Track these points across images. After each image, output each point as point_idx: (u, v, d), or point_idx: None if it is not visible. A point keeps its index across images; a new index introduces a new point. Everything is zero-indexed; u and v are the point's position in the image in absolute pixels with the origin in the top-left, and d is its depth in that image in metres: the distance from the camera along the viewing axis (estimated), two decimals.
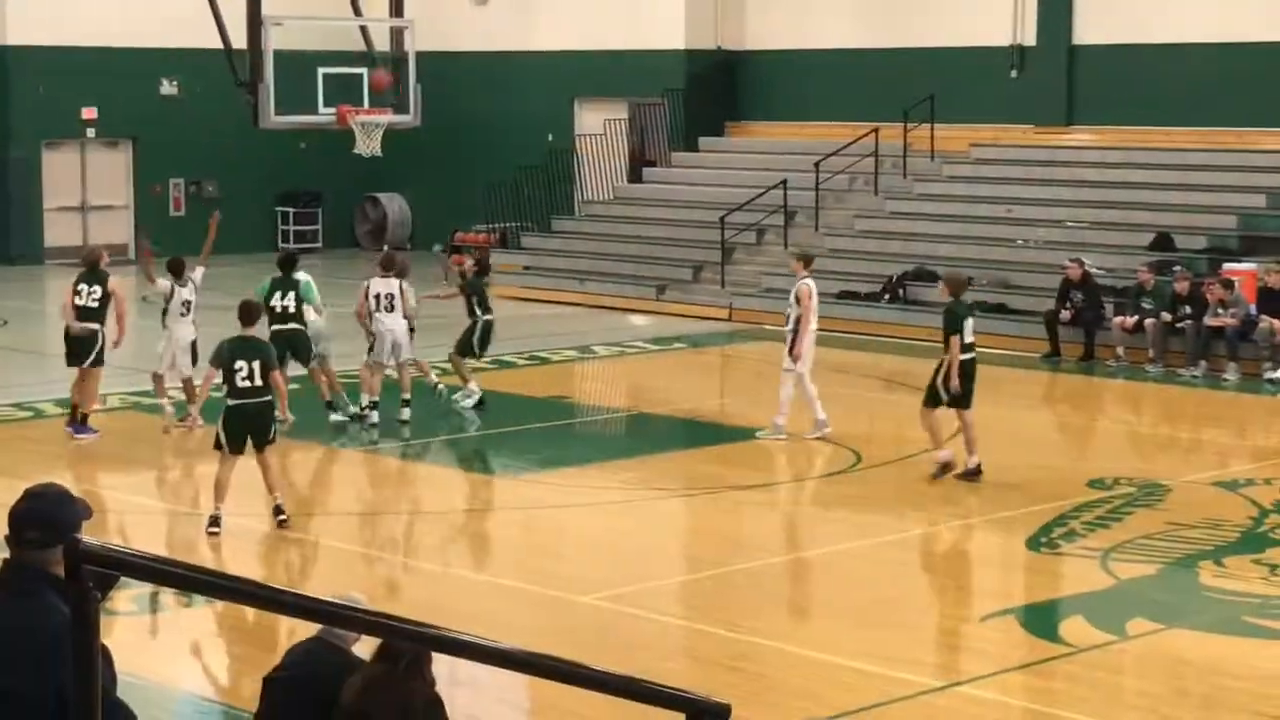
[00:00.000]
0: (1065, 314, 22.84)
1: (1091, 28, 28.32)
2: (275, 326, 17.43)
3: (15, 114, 32.58)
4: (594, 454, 18.29)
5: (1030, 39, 28.93)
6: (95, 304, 17.51)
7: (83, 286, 17.59)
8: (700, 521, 15.57)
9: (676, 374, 23.46)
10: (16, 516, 5.27)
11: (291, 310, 17.81)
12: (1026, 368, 22.57)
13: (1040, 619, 12.29)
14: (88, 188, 33.81)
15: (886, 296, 25.86)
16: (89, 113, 33.09)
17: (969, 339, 16.02)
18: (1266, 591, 12.60)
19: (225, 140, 32.83)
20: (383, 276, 18.47)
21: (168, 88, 33.72)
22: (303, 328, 17.91)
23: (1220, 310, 21.83)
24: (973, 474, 15.91)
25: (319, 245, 35.25)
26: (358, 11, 23.98)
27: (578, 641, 11.13)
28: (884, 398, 20.97)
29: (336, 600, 7.55)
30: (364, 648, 7.58)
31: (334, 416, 18.46)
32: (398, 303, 18.36)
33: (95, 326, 17.47)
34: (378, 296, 18.34)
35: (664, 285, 28.19)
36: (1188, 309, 22.09)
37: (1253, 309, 21.83)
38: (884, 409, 20.27)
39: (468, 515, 15.80)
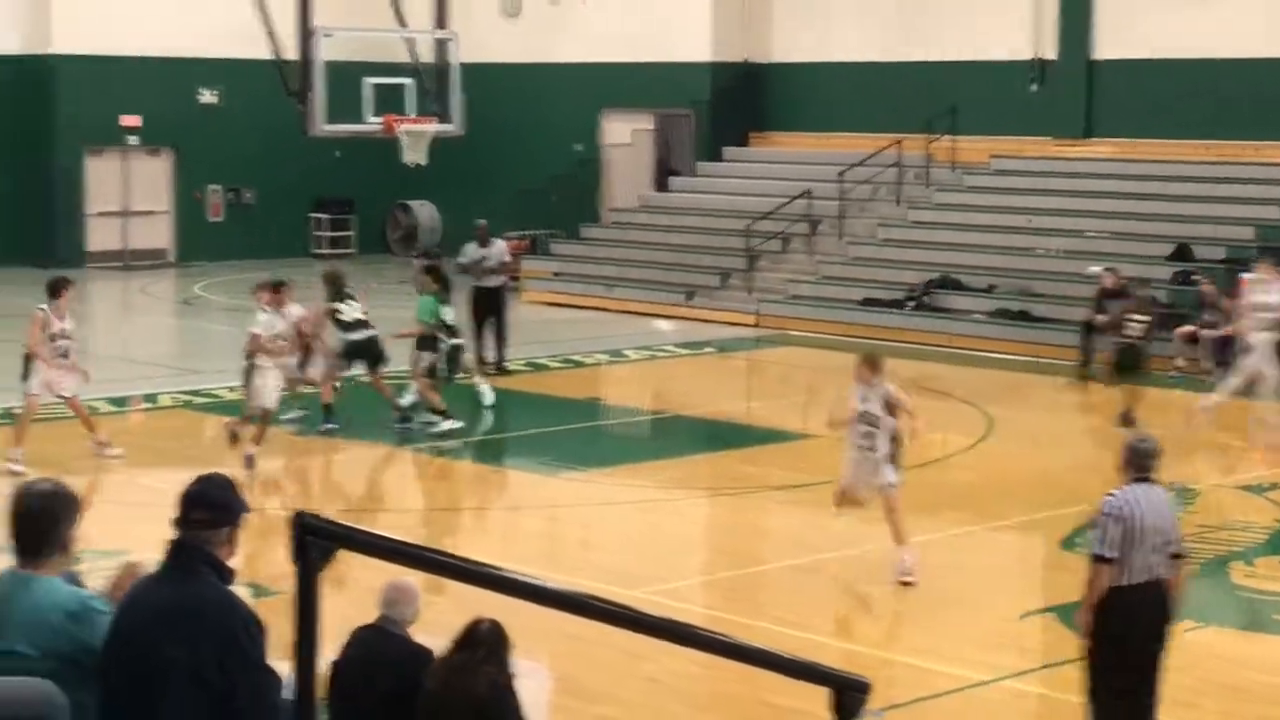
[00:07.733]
0: (1100, 319, 23.08)
1: (1110, 43, 28.81)
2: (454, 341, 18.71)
3: (60, 121, 33.19)
4: (630, 454, 18.80)
5: (1051, 53, 29.43)
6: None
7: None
8: (739, 519, 16.00)
9: (706, 378, 24.00)
10: (188, 498, 5.56)
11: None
12: (1053, 374, 22.97)
13: None
14: (130, 194, 34.44)
15: (910, 304, 26.38)
16: (131, 120, 33.71)
17: None
18: None
19: (262, 148, 33.49)
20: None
21: (207, 97, 34.38)
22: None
23: None
24: None
25: (353, 251, 35.85)
26: (403, 23, 24.59)
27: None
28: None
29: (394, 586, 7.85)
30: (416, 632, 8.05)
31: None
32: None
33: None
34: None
35: (692, 291, 28.69)
36: (1207, 316, 22.59)
37: None
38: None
39: (513, 512, 16.30)
